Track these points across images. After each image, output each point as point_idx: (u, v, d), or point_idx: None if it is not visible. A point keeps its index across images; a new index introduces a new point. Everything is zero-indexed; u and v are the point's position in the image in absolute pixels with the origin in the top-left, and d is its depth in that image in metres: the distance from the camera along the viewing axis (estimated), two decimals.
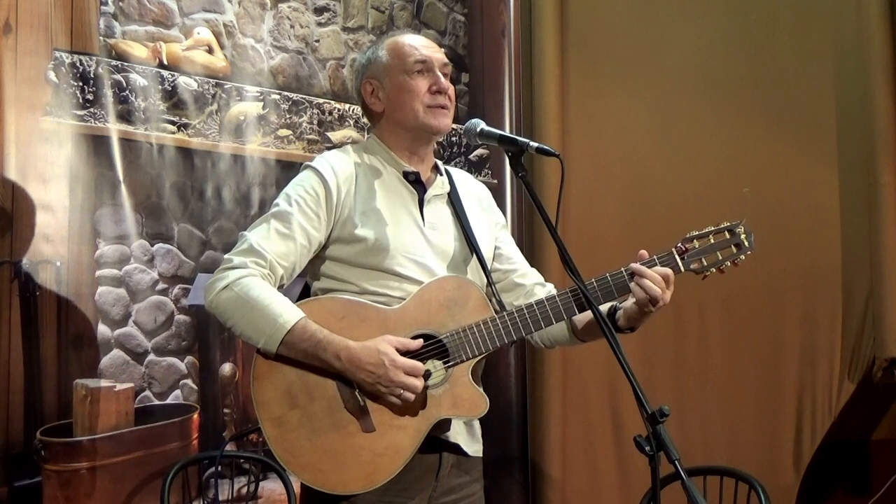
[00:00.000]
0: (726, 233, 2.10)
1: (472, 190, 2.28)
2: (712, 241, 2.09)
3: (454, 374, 2.03)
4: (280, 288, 2.04)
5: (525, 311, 2.05)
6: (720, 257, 2.08)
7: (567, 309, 2.05)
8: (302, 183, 2.09)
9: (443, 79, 2.14)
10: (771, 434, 4.46)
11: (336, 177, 2.09)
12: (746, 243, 2.10)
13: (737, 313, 4.43)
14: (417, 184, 2.16)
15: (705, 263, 2.08)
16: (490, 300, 2.11)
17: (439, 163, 2.24)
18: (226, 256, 2.03)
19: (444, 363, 2.02)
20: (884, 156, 4.29)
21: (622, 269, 2.05)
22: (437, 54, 2.17)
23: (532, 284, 2.25)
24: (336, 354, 1.94)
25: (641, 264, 2.03)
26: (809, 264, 4.44)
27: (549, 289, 2.26)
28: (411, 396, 1.95)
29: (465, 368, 2.04)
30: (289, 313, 1.95)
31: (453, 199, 2.20)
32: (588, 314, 2.06)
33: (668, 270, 2.03)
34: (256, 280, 1.98)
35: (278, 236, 2.02)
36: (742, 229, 2.10)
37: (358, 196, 2.09)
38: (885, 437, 4.59)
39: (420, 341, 2.00)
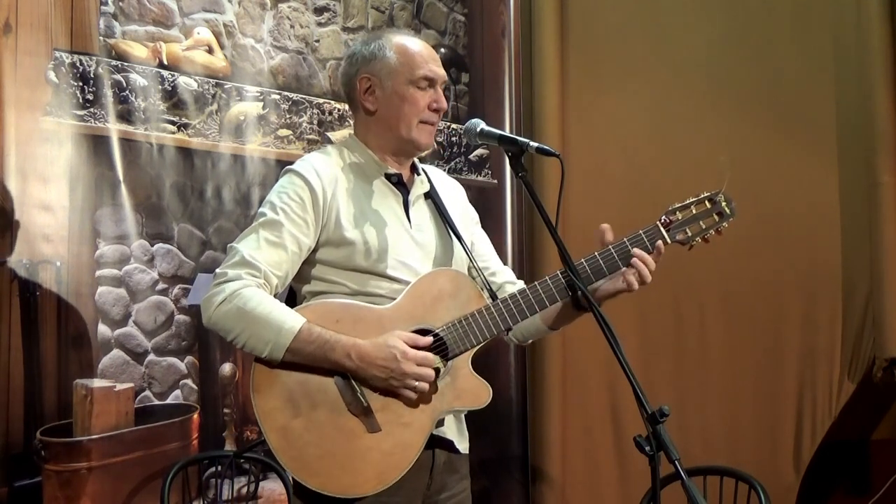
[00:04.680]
0: (707, 202, 2.13)
1: (448, 187, 2.29)
2: (694, 211, 2.12)
3: (455, 365, 2.03)
4: (274, 297, 2.03)
5: (518, 296, 2.05)
6: (703, 226, 2.12)
7: (559, 291, 2.05)
8: (286, 189, 2.06)
9: (443, 98, 2.15)
10: (771, 434, 4.46)
11: (320, 180, 2.07)
12: (728, 210, 2.12)
13: (737, 313, 4.43)
14: (400, 185, 2.16)
15: (690, 234, 2.11)
16: (482, 292, 2.11)
17: (416, 161, 2.23)
18: (218, 271, 2.00)
19: (444, 356, 2.02)
20: (884, 156, 4.30)
21: (609, 247, 2.06)
22: (441, 71, 2.16)
23: (502, 283, 2.26)
24: (346, 354, 1.94)
25: (628, 241, 2.06)
26: (809, 264, 4.45)
27: (520, 286, 2.25)
28: (426, 387, 1.96)
29: (465, 359, 2.05)
30: (292, 319, 1.95)
31: (434, 198, 2.20)
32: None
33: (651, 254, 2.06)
34: (254, 290, 1.96)
35: (269, 246, 2.01)
36: (722, 197, 2.13)
37: (343, 198, 2.08)
38: (885, 437, 4.59)
39: (429, 339, 2.00)
